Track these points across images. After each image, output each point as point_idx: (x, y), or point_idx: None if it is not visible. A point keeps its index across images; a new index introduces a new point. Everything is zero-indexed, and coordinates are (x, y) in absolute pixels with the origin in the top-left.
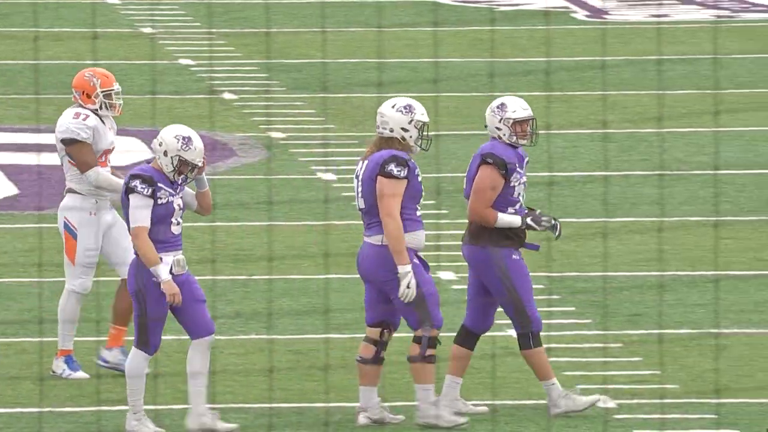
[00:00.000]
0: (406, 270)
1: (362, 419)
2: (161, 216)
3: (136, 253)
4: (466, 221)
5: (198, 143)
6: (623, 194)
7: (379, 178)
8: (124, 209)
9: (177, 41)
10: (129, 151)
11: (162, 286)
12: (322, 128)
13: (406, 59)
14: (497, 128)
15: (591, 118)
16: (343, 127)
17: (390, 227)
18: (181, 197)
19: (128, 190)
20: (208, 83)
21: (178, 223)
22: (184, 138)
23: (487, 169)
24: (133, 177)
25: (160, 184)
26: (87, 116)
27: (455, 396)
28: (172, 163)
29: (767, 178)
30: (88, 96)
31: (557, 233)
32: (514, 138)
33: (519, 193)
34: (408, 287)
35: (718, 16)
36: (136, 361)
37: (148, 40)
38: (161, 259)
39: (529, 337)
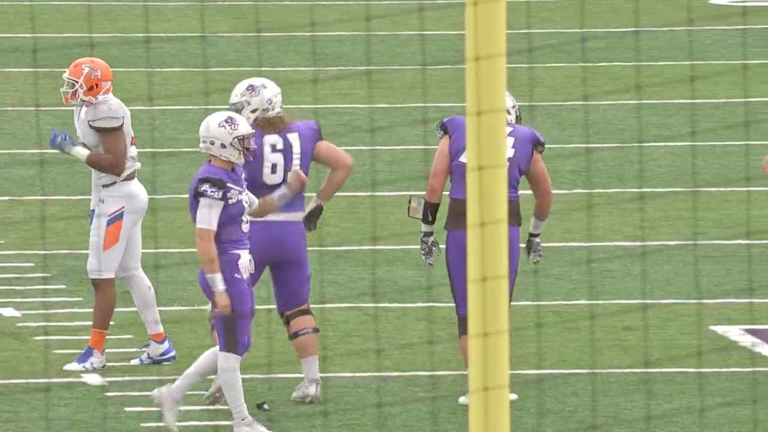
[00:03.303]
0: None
1: (316, 390)
2: (233, 215)
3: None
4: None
5: (235, 114)
6: None
7: (322, 143)
8: (190, 206)
9: None
10: None
11: (215, 296)
12: None
13: None
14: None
15: None
16: None
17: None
18: (246, 193)
19: (198, 194)
20: None
21: (247, 221)
22: (226, 120)
23: (541, 159)
24: (203, 181)
25: (229, 185)
26: None
27: None
28: (237, 148)
29: None
30: None
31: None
32: None
33: None
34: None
35: None
36: (228, 365)
37: None
38: (239, 256)
39: None
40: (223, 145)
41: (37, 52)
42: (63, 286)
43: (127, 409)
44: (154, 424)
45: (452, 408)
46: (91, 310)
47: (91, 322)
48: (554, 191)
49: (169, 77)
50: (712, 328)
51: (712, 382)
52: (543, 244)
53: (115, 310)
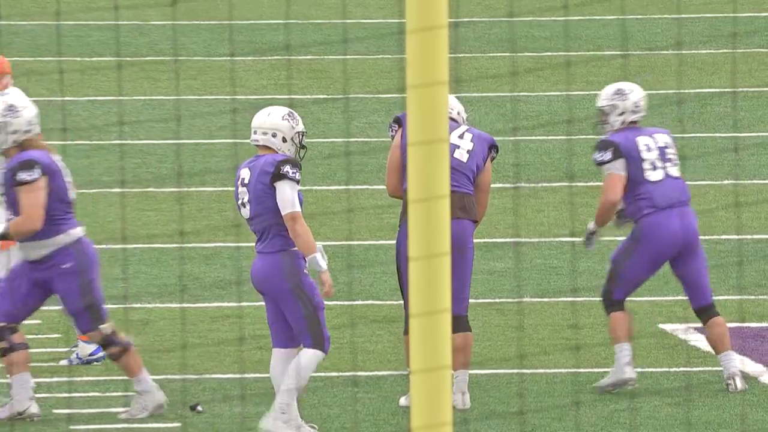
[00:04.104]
0: None
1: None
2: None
3: (279, 249)
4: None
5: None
6: None
7: None
8: (262, 194)
9: None
10: None
11: (321, 276)
12: None
13: None
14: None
15: None
16: None
17: None
18: None
19: (278, 177)
20: None
21: None
22: (289, 114)
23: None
24: (284, 162)
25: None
26: None
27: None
28: (295, 144)
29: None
30: None
31: None
32: None
33: None
34: None
35: None
36: (313, 363)
37: None
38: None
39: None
40: (284, 139)
41: None
42: None
43: (55, 411)
44: (84, 427)
45: (392, 410)
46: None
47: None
48: (499, 185)
49: (101, 67)
50: (661, 326)
51: (661, 382)
52: (489, 240)
53: (43, 308)
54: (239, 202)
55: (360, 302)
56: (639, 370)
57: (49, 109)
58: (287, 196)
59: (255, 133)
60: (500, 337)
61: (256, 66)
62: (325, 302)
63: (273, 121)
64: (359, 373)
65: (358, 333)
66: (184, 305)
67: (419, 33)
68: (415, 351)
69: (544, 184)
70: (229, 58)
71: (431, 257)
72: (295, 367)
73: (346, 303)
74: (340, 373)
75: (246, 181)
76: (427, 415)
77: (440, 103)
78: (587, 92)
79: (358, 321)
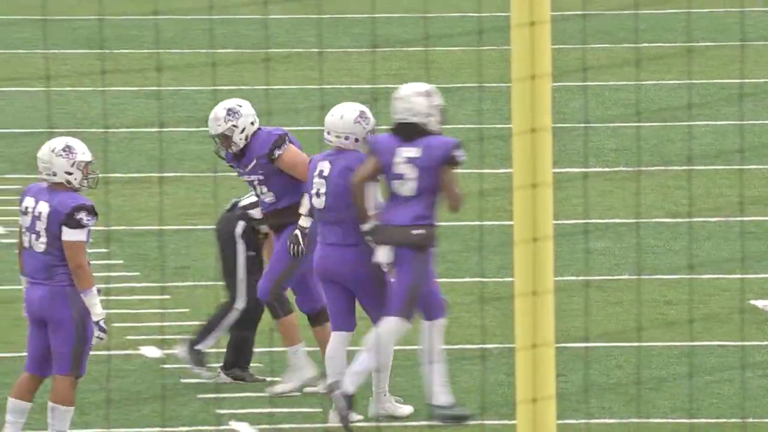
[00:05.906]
0: None
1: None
2: None
3: (356, 242)
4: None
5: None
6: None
7: None
8: (344, 190)
9: None
10: None
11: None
12: None
13: None
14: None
15: None
16: None
17: None
18: None
19: None
20: None
21: None
22: (360, 115)
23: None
24: None
25: None
26: None
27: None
28: (366, 144)
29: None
30: None
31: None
32: None
33: None
34: None
35: None
36: (399, 331)
37: None
38: None
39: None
40: (357, 140)
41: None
42: (121, 261)
43: (183, 380)
44: (212, 396)
45: (499, 380)
46: (148, 285)
47: (147, 297)
48: (598, 169)
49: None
50: (753, 302)
51: (752, 355)
52: (588, 221)
53: (170, 284)
54: (313, 191)
55: (468, 279)
56: (731, 343)
57: (176, 99)
58: (370, 198)
59: (329, 133)
60: (600, 313)
61: (369, 57)
62: (440, 280)
63: (345, 125)
64: (466, 346)
65: (466, 309)
66: None
67: (523, 28)
68: (520, 328)
69: (642, 169)
70: (344, 49)
71: (538, 240)
72: (383, 338)
73: (455, 280)
74: (450, 347)
75: (324, 174)
76: (532, 390)
77: (543, 94)
78: (681, 81)
79: (465, 297)
